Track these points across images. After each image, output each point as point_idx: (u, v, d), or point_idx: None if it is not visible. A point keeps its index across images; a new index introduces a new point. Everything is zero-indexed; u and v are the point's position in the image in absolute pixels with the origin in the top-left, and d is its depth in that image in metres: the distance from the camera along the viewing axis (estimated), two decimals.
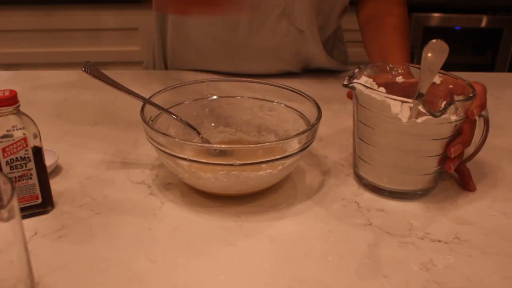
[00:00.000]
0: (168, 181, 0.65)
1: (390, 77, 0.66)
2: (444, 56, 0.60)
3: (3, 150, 0.54)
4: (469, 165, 0.65)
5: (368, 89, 0.59)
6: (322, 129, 0.76)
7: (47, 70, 1.03)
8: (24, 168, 0.55)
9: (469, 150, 0.63)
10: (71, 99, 0.89)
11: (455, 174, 0.66)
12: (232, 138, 0.72)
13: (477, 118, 0.61)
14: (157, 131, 0.58)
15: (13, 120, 0.53)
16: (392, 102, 0.57)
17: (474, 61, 2.01)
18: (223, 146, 0.64)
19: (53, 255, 0.52)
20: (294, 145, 0.59)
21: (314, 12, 0.91)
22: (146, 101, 0.64)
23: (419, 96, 0.59)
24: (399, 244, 0.55)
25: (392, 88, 0.62)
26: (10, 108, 0.52)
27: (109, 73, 0.65)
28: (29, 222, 0.57)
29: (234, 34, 0.93)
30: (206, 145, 0.65)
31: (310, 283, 0.49)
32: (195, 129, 0.68)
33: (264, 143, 0.66)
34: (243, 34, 0.93)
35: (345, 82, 0.60)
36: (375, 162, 0.62)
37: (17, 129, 0.53)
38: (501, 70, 1.97)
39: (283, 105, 0.70)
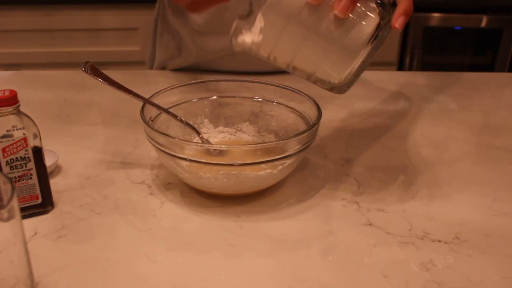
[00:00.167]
0: (168, 181, 0.65)
1: None
2: None
3: (3, 150, 0.54)
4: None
5: None
6: (322, 129, 0.76)
7: (47, 70, 1.03)
8: (24, 168, 0.55)
9: None
10: (71, 99, 0.89)
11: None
12: (232, 138, 0.72)
13: None
14: (157, 131, 0.58)
15: (13, 120, 0.53)
16: None
17: (474, 61, 2.01)
18: (223, 146, 0.64)
19: (53, 255, 0.52)
20: (294, 145, 0.59)
21: None
22: (146, 101, 0.64)
23: None
24: (399, 244, 0.55)
25: None
26: (10, 108, 0.52)
27: (109, 73, 0.65)
28: (29, 222, 0.57)
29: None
30: (206, 145, 0.65)
31: (310, 283, 0.49)
32: (195, 129, 0.68)
33: (264, 143, 0.66)
34: None
35: None
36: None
37: (17, 129, 0.53)
38: (501, 70, 1.97)
39: (283, 105, 0.70)
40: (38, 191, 0.57)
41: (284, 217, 0.59)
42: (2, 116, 0.52)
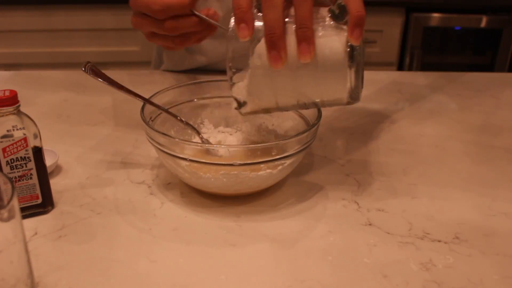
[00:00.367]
0: (168, 181, 0.65)
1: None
2: None
3: (3, 150, 0.54)
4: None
5: None
6: (322, 129, 0.76)
7: (47, 70, 1.03)
8: (24, 168, 0.55)
9: None
10: (71, 99, 0.89)
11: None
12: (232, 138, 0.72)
13: None
14: (157, 131, 0.59)
15: (13, 120, 0.53)
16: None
17: (474, 61, 2.01)
18: (223, 146, 0.64)
19: (53, 255, 0.52)
20: (294, 145, 0.59)
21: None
22: (146, 101, 0.64)
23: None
24: (399, 244, 0.55)
25: None
26: (10, 108, 0.52)
27: (109, 73, 0.66)
28: (29, 222, 0.57)
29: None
30: (206, 145, 0.65)
31: (310, 283, 0.49)
32: (195, 129, 0.68)
33: (264, 143, 0.66)
34: None
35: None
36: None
37: (17, 129, 0.53)
38: (501, 70, 1.97)
39: None
40: (38, 191, 0.57)
41: (284, 217, 0.59)
42: (2, 116, 0.53)
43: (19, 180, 0.55)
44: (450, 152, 0.74)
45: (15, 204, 0.38)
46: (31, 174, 0.56)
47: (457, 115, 0.86)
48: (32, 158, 0.55)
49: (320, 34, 0.53)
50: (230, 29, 0.54)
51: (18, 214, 0.39)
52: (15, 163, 0.55)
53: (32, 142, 0.55)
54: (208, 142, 0.68)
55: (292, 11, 0.54)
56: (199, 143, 0.66)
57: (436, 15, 1.89)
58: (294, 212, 0.60)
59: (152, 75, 1.03)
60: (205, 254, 0.53)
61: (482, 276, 0.51)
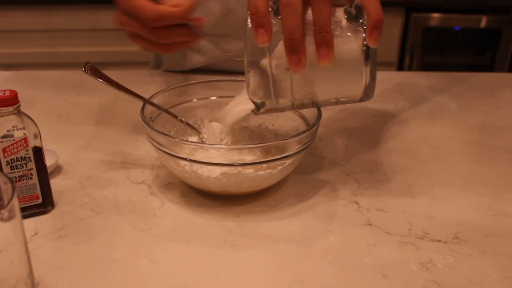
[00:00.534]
0: (168, 181, 0.65)
1: None
2: None
3: (4, 150, 0.54)
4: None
5: None
6: (322, 129, 0.76)
7: (47, 70, 1.03)
8: (24, 168, 0.55)
9: None
10: (71, 99, 0.89)
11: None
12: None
13: None
14: (157, 131, 0.59)
15: (13, 120, 0.53)
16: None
17: (474, 61, 2.01)
18: (222, 146, 0.64)
19: (53, 255, 0.52)
20: (294, 145, 0.59)
21: None
22: (146, 101, 0.64)
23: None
24: (399, 244, 0.55)
25: None
26: (10, 108, 0.52)
27: (109, 73, 0.66)
28: (29, 222, 0.57)
29: (232, 13, 0.93)
30: (206, 144, 0.65)
31: (310, 283, 0.49)
32: (195, 129, 0.68)
33: (264, 143, 0.66)
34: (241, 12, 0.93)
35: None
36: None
37: (17, 129, 0.53)
38: (501, 70, 1.97)
39: None
40: (38, 191, 0.57)
41: (284, 217, 0.59)
42: (3, 116, 0.53)
43: (19, 180, 0.55)
44: (450, 152, 0.74)
45: (15, 204, 0.38)
46: (31, 174, 0.56)
47: (457, 115, 0.86)
48: (32, 158, 0.55)
49: (337, 34, 0.54)
50: (247, 29, 0.54)
51: (18, 214, 0.39)
52: (15, 163, 0.55)
53: (32, 142, 0.55)
54: (208, 142, 0.68)
55: (309, 13, 0.54)
56: (199, 143, 0.66)
57: (436, 15, 1.89)
58: (294, 212, 0.60)
59: (152, 75, 1.03)
60: (205, 254, 0.53)
61: (482, 276, 0.51)
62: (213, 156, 0.59)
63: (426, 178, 0.67)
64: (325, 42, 0.52)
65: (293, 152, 0.59)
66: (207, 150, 0.59)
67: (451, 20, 1.91)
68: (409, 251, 0.54)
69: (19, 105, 0.53)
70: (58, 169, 0.67)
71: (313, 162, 0.70)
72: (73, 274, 0.50)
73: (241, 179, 0.58)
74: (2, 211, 0.37)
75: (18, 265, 0.41)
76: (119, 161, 0.70)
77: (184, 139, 0.67)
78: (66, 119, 0.82)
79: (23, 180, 0.56)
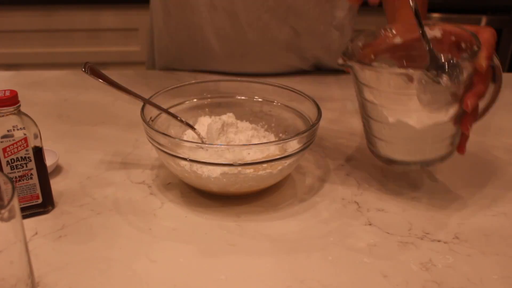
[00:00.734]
0: (168, 181, 0.65)
1: (387, 40, 0.61)
2: None
3: (4, 150, 0.54)
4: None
5: (367, 67, 0.55)
6: (322, 129, 0.76)
7: (47, 70, 1.03)
8: (24, 168, 0.55)
9: (481, 104, 0.61)
10: (71, 99, 0.89)
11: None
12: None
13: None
14: (157, 131, 0.59)
15: (13, 120, 0.53)
16: (394, 77, 0.54)
17: None
18: (222, 145, 0.64)
19: (53, 255, 0.52)
20: (294, 145, 0.59)
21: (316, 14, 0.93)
22: (146, 101, 0.64)
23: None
24: (399, 244, 0.55)
25: (394, 52, 0.59)
26: (10, 108, 0.52)
27: (109, 73, 0.65)
28: (29, 222, 0.57)
29: (243, 34, 0.93)
30: (206, 144, 0.65)
31: (310, 283, 0.49)
32: (195, 129, 0.68)
33: (264, 143, 0.66)
34: (252, 34, 0.93)
35: (340, 61, 0.56)
36: (388, 137, 0.59)
37: (17, 129, 0.53)
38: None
39: (283, 105, 0.71)
40: (38, 191, 0.57)
41: (284, 217, 0.59)
42: (3, 116, 0.53)
43: (19, 180, 0.55)
44: None
45: (16, 204, 0.38)
46: (31, 174, 0.56)
47: None
48: (32, 158, 0.55)
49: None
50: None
51: (18, 214, 0.39)
52: (15, 163, 0.55)
53: (33, 142, 0.55)
54: (208, 142, 0.68)
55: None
56: (199, 143, 0.66)
57: (436, 15, 1.89)
58: (294, 212, 0.60)
59: (152, 75, 1.03)
60: (205, 254, 0.53)
61: (482, 276, 0.51)
62: (213, 156, 0.59)
63: (426, 178, 0.67)
64: (473, 114, 0.57)
65: (293, 152, 0.59)
66: (207, 150, 0.59)
67: (451, 20, 1.90)
68: (409, 251, 0.54)
69: (19, 105, 0.53)
70: (58, 169, 0.67)
71: (313, 162, 0.70)
72: (73, 274, 0.50)
73: (241, 179, 0.58)
74: (2, 211, 0.37)
75: (18, 265, 0.41)
76: (119, 161, 0.70)
77: (184, 139, 0.67)
78: (66, 119, 0.82)
79: (23, 180, 0.56)
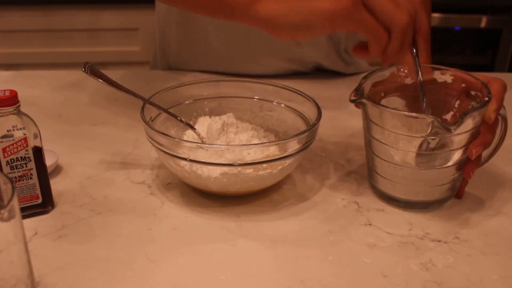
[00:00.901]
0: (168, 181, 0.65)
1: (399, 79, 0.63)
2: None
3: (4, 150, 0.54)
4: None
5: (380, 107, 0.56)
6: (322, 129, 0.76)
7: (47, 70, 1.03)
8: (24, 168, 0.55)
9: (486, 152, 0.62)
10: (71, 99, 0.89)
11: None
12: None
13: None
14: (157, 131, 0.59)
15: (13, 120, 0.53)
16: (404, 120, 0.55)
17: (474, 61, 2.01)
18: (222, 145, 0.64)
19: (53, 255, 0.52)
20: (294, 145, 0.59)
21: None
22: (146, 101, 0.64)
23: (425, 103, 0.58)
24: (399, 244, 0.55)
25: (403, 92, 0.61)
26: (10, 108, 0.52)
27: (109, 73, 0.65)
28: (29, 222, 0.57)
29: (245, 36, 0.93)
30: (207, 144, 0.65)
31: (310, 283, 0.49)
32: (195, 129, 0.68)
33: (264, 143, 0.66)
34: (254, 37, 0.93)
35: (352, 98, 0.57)
36: (391, 175, 0.59)
37: (17, 129, 0.53)
38: (501, 70, 1.97)
39: (283, 105, 0.71)
40: (38, 191, 0.57)
41: (284, 217, 0.59)
42: (3, 116, 0.53)
43: (19, 180, 0.55)
44: None
45: (15, 204, 0.38)
46: (31, 174, 0.56)
47: None
48: (32, 158, 0.55)
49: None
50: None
51: (18, 214, 0.39)
52: (15, 163, 0.55)
53: (32, 142, 0.55)
54: (208, 142, 0.68)
55: None
56: (199, 143, 0.66)
57: (436, 15, 1.88)
58: (294, 212, 0.60)
59: (152, 75, 1.03)
60: (205, 254, 0.53)
61: (482, 276, 0.51)
62: (213, 156, 0.59)
63: None
64: (476, 162, 0.59)
65: (293, 152, 0.59)
66: (207, 150, 0.59)
67: (451, 20, 1.91)
68: (409, 251, 0.54)
69: (19, 105, 0.53)
70: (58, 169, 0.67)
71: (313, 162, 0.70)
72: (73, 274, 0.50)
73: (241, 179, 0.58)
74: (2, 211, 0.37)
75: (18, 265, 0.41)
76: (119, 161, 0.70)
77: (184, 139, 0.67)
78: (66, 119, 0.82)
79: (23, 180, 0.56)
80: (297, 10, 0.56)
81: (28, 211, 0.57)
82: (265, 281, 0.50)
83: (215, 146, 0.62)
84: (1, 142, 0.53)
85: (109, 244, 0.54)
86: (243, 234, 0.56)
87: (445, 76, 0.61)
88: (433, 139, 0.55)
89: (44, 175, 0.57)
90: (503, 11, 1.89)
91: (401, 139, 0.56)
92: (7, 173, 0.54)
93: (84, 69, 0.63)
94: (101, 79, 0.63)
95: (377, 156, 0.59)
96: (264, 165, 0.58)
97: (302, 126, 0.66)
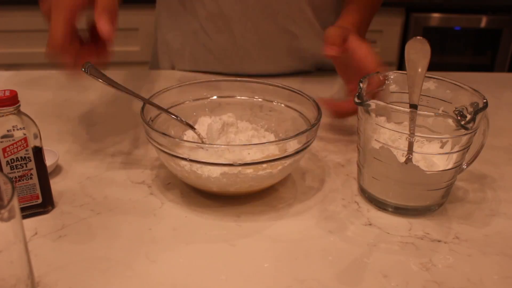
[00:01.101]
0: (168, 181, 0.65)
1: (384, 86, 0.64)
2: (428, 54, 0.58)
3: (4, 150, 0.54)
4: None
5: (395, 108, 0.56)
6: (322, 129, 0.76)
7: (47, 70, 1.03)
8: (24, 168, 0.55)
9: (469, 154, 0.62)
10: (71, 99, 0.89)
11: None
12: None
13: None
14: (157, 131, 0.59)
15: (13, 120, 0.53)
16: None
17: (474, 61, 2.01)
18: (222, 145, 0.64)
19: (53, 255, 0.52)
20: (294, 145, 0.59)
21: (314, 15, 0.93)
22: (146, 101, 0.64)
23: (412, 107, 0.58)
24: (399, 244, 0.55)
25: (384, 98, 0.62)
26: (10, 108, 0.52)
27: (109, 73, 0.65)
28: (29, 222, 0.57)
29: (241, 36, 0.94)
30: (207, 144, 0.65)
31: (310, 283, 0.49)
32: (195, 129, 0.68)
33: (264, 143, 0.66)
34: (249, 34, 0.93)
35: (357, 101, 0.56)
36: (385, 178, 0.59)
37: (17, 129, 0.53)
38: (501, 70, 1.97)
39: (283, 105, 0.71)
40: (38, 191, 0.57)
41: (284, 217, 0.59)
42: (3, 116, 0.53)
43: (19, 180, 0.55)
44: None
45: (15, 204, 0.38)
46: (31, 174, 0.56)
47: None
48: (32, 158, 0.55)
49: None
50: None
51: (18, 214, 0.39)
52: (15, 163, 0.55)
53: (32, 142, 0.55)
54: (208, 142, 0.68)
55: None
56: (199, 143, 0.66)
57: (436, 15, 1.89)
58: (294, 212, 0.60)
59: (152, 75, 1.03)
60: (205, 254, 0.53)
61: (482, 276, 0.51)
62: (213, 156, 0.59)
63: None
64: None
65: (293, 152, 0.59)
66: (207, 150, 0.59)
67: (451, 20, 1.91)
68: (409, 251, 0.54)
69: (19, 105, 0.53)
70: (58, 169, 0.67)
71: (313, 162, 0.70)
72: (73, 274, 0.50)
73: (241, 179, 0.58)
74: (2, 211, 0.37)
75: (18, 265, 0.41)
76: (119, 161, 0.70)
77: (184, 139, 0.67)
78: (66, 119, 0.82)
79: (23, 180, 0.56)
80: None
81: (28, 211, 0.57)
82: (265, 281, 0.50)
83: (215, 146, 0.62)
84: (1, 142, 0.53)
85: (109, 244, 0.54)
86: (243, 234, 0.56)
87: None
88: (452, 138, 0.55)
89: (44, 175, 0.57)
90: (503, 11, 1.89)
91: (414, 140, 0.56)
92: (7, 173, 0.54)
93: (84, 69, 0.63)
94: (101, 79, 0.63)
95: (377, 159, 0.58)
96: (264, 165, 0.58)
97: (302, 126, 0.66)
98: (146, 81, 0.97)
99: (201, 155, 0.58)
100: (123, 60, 1.87)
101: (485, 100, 0.56)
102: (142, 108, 0.63)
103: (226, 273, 0.50)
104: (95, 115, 0.83)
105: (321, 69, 1.02)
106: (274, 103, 0.71)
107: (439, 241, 0.55)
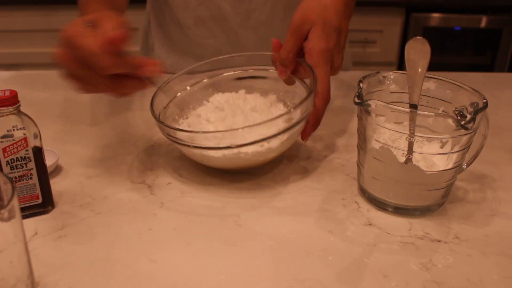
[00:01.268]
0: (168, 181, 0.65)
1: (384, 87, 0.64)
2: (428, 54, 0.58)
3: (4, 150, 0.54)
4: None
5: (396, 108, 0.56)
6: (322, 129, 0.76)
7: (47, 70, 1.03)
8: (24, 168, 0.55)
9: (469, 154, 0.62)
10: (71, 99, 0.89)
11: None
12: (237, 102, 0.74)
13: None
14: (171, 127, 0.62)
15: (13, 120, 0.53)
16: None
17: (474, 61, 2.01)
18: (224, 133, 0.64)
19: (53, 255, 0.52)
20: (297, 114, 0.62)
21: None
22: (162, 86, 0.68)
23: (412, 107, 0.58)
24: (399, 244, 0.55)
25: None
26: (10, 108, 0.52)
27: None
28: (29, 222, 0.57)
29: (233, 32, 0.94)
30: (213, 132, 0.65)
31: (310, 283, 0.49)
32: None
33: (260, 123, 0.66)
34: (242, 30, 0.93)
35: (357, 101, 0.57)
36: (385, 178, 0.59)
37: (17, 129, 0.53)
38: (501, 70, 1.97)
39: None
40: (38, 191, 0.57)
41: (284, 217, 0.59)
42: (3, 116, 0.53)
43: (19, 180, 0.55)
44: None
45: (15, 204, 0.38)
46: (31, 174, 0.56)
47: None
48: (32, 158, 0.55)
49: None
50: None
51: (18, 214, 0.39)
52: (15, 163, 0.55)
53: (32, 142, 0.55)
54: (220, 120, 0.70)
55: None
56: (208, 131, 0.66)
57: (436, 15, 1.89)
58: (294, 212, 0.60)
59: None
60: (205, 255, 0.53)
61: (482, 276, 0.51)
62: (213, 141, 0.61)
63: None
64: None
65: (295, 122, 0.62)
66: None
67: (451, 20, 1.91)
68: (409, 251, 0.54)
69: (19, 105, 0.53)
70: (58, 169, 0.67)
71: (313, 162, 0.70)
72: (73, 274, 0.50)
73: (242, 157, 0.62)
74: (2, 211, 0.37)
75: (18, 265, 0.41)
76: (119, 161, 0.70)
77: (193, 130, 0.68)
78: (66, 119, 0.82)
79: (23, 180, 0.56)
80: None
81: (28, 211, 0.57)
82: (265, 281, 0.50)
83: (219, 132, 0.62)
84: (1, 142, 0.53)
85: (109, 244, 0.54)
86: (243, 234, 0.56)
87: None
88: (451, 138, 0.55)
89: (44, 175, 0.57)
90: (503, 11, 1.89)
91: (414, 140, 0.56)
92: (7, 173, 0.55)
93: None
94: None
95: (377, 159, 0.58)
96: (264, 142, 0.60)
97: (304, 93, 0.68)
98: None
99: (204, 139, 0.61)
100: None
101: (485, 100, 0.56)
102: (151, 103, 0.66)
103: (226, 273, 0.50)
104: (95, 115, 0.83)
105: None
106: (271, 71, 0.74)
107: (439, 241, 0.55)
